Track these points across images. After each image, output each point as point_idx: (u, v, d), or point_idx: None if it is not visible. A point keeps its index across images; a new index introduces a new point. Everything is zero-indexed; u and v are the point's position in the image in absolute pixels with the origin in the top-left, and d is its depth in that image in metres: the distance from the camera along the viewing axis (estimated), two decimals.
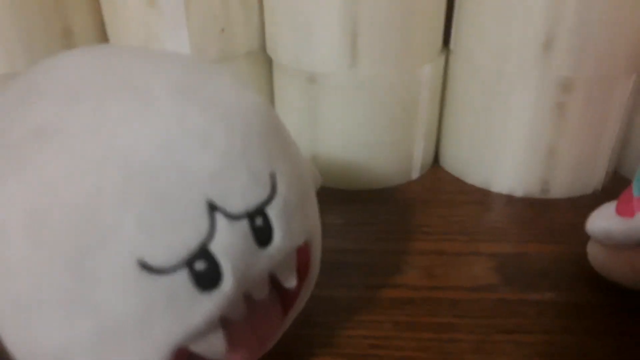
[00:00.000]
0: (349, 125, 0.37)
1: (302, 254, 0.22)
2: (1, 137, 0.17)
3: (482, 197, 0.38)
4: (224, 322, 0.19)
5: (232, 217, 0.18)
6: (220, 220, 0.17)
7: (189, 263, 0.17)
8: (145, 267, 0.16)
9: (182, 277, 0.17)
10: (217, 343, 0.18)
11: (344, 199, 0.38)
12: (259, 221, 0.19)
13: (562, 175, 0.37)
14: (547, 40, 0.33)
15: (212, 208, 0.17)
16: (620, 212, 0.28)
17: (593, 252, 0.30)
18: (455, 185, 0.40)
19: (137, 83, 0.18)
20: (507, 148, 0.37)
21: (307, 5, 0.34)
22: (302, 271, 0.22)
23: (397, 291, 0.29)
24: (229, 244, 0.18)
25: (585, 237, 0.30)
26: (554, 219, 0.36)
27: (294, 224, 0.20)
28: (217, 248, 0.17)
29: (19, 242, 0.16)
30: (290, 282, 0.21)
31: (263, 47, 0.40)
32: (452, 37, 0.39)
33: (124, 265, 0.16)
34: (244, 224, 0.18)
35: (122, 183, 0.16)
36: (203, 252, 0.17)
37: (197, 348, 0.18)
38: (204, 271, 0.17)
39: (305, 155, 0.39)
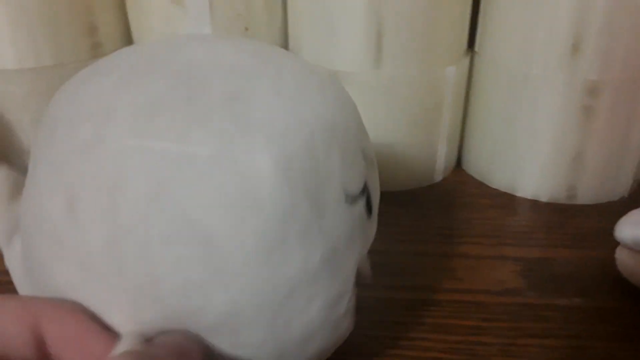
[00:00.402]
0: (372, 126, 0.36)
1: None
2: (199, 101, 0.18)
3: (506, 201, 0.38)
4: None
5: (369, 165, 0.22)
6: (365, 166, 0.21)
7: (364, 193, 0.21)
8: (348, 197, 0.20)
9: (362, 204, 0.21)
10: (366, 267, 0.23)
11: None
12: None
13: (589, 181, 0.36)
14: (574, 43, 0.33)
15: (364, 155, 0.21)
16: None
17: (622, 257, 0.30)
18: (479, 188, 0.39)
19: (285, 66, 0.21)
20: (532, 152, 0.37)
21: (331, 4, 0.34)
22: None
23: (421, 293, 0.29)
24: (372, 186, 0.22)
25: (612, 243, 0.29)
26: (580, 224, 0.35)
27: (377, 202, 0.24)
28: (369, 184, 0.21)
29: (269, 179, 0.17)
30: (367, 269, 0.24)
31: (286, 46, 0.39)
32: (477, 39, 0.38)
33: (339, 195, 0.19)
34: (375, 170, 0.23)
35: (328, 131, 0.19)
36: (365, 187, 0.21)
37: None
38: (368, 200, 0.21)
39: None
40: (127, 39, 0.40)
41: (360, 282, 0.22)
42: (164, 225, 0.17)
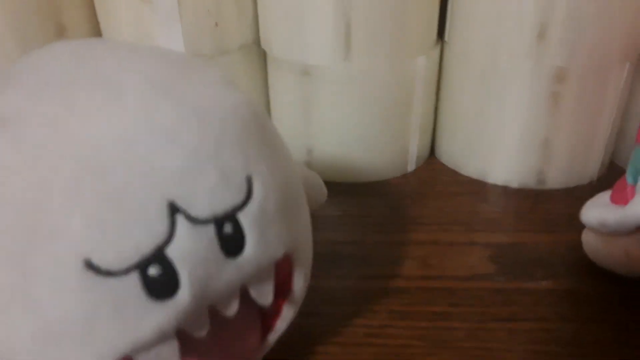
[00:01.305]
0: (344, 118, 0.37)
1: (282, 268, 0.20)
2: None
3: (477, 188, 0.38)
4: (182, 336, 0.17)
5: (195, 221, 0.16)
6: (181, 224, 0.16)
7: (141, 267, 0.15)
8: (92, 267, 0.15)
9: (132, 282, 0.15)
10: (169, 357, 0.17)
11: (340, 191, 0.38)
12: (228, 228, 0.17)
13: (558, 166, 0.37)
14: (540, 30, 0.33)
15: (173, 209, 0.16)
16: (614, 200, 0.28)
17: (587, 240, 0.30)
18: (451, 177, 0.40)
19: (109, 76, 0.17)
20: (502, 139, 0.37)
21: None
22: (282, 288, 0.20)
23: (393, 281, 0.29)
24: (189, 250, 0.16)
25: (581, 227, 0.30)
26: (549, 209, 0.36)
27: (271, 233, 0.18)
28: (175, 254, 0.16)
29: None
30: (265, 299, 0.19)
31: (257, 40, 0.40)
32: (447, 29, 0.39)
33: (68, 264, 0.15)
34: (210, 230, 0.17)
35: (74, 177, 0.15)
36: (158, 257, 0.16)
37: (145, 359, 0.16)
38: (157, 277, 0.16)
39: (300, 152, 0.39)
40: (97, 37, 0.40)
41: None
42: None
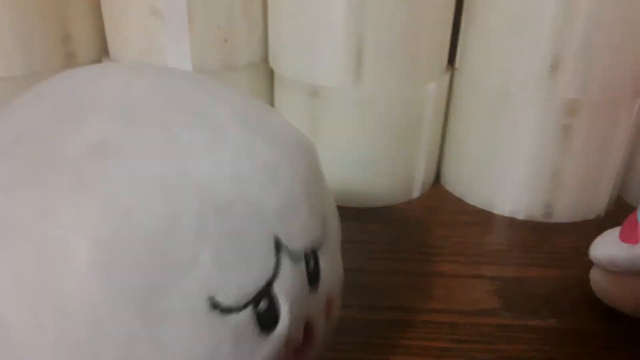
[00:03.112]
0: (351, 141, 0.37)
1: (328, 304, 0.20)
2: (54, 149, 0.15)
3: (483, 218, 0.38)
4: None
5: (294, 256, 0.17)
6: (285, 259, 0.17)
7: (255, 302, 0.16)
8: (216, 306, 0.15)
9: (248, 317, 0.16)
10: None
11: (344, 216, 0.37)
12: (311, 264, 0.18)
13: (566, 199, 0.37)
14: (553, 62, 0.33)
15: (278, 246, 0.16)
16: (624, 238, 0.28)
17: (596, 278, 0.30)
18: (457, 205, 0.39)
19: (202, 109, 0.17)
20: (510, 169, 0.37)
21: (311, 18, 0.34)
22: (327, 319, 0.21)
23: (396, 314, 0.28)
24: (290, 284, 0.17)
25: (587, 263, 0.29)
26: (556, 243, 0.35)
27: (333, 270, 0.19)
28: (279, 288, 0.16)
29: (83, 275, 0.14)
30: (319, 328, 0.20)
31: (265, 58, 0.39)
32: (458, 56, 0.38)
33: (195, 305, 0.15)
34: (302, 265, 0.17)
35: (198, 214, 0.15)
36: (267, 291, 0.16)
37: None
38: (265, 311, 0.16)
39: None
40: (103, 49, 0.39)
41: None
42: None
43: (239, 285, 0.15)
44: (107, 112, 0.16)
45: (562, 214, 0.37)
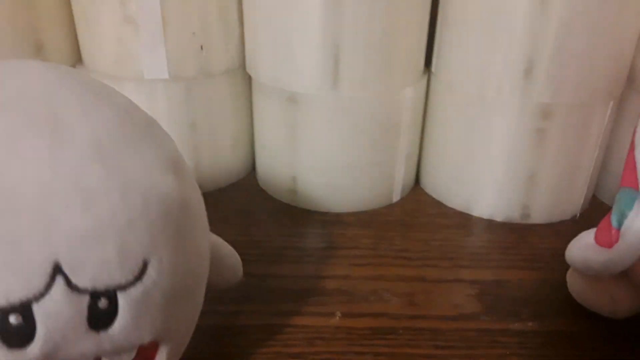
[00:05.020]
0: (330, 147, 0.37)
1: (144, 353, 0.20)
2: None
3: (462, 221, 0.38)
4: None
5: (73, 287, 0.17)
6: (59, 286, 0.16)
7: (4, 313, 0.16)
8: None
9: None
10: None
11: (326, 222, 0.37)
12: (102, 303, 0.17)
13: (542, 201, 0.37)
14: (527, 67, 0.33)
15: (56, 270, 0.16)
16: (599, 241, 0.28)
17: (573, 282, 0.30)
18: (436, 208, 0.39)
19: (63, 118, 0.17)
20: (488, 172, 0.37)
21: (288, 25, 0.34)
22: None
23: (378, 320, 0.29)
24: (55, 311, 0.16)
25: (565, 264, 0.30)
26: (534, 244, 0.35)
27: (145, 320, 0.18)
28: (41, 310, 0.16)
29: None
30: None
31: (243, 65, 0.39)
32: (434, 61, 0.39)
33: None
34: (84, 300, 0.17)
35: None
36: (24, 308, 0.16)
37: None
38: (14, 327, 0.16)
39: (287, 176, 0.38)
40: (76, 56, 0.39)
41: None
42: None
43: None
44: None
45: (539, 215, 0.37)
